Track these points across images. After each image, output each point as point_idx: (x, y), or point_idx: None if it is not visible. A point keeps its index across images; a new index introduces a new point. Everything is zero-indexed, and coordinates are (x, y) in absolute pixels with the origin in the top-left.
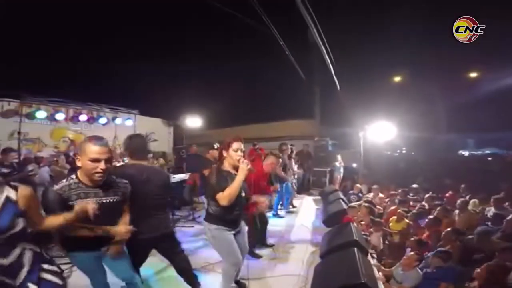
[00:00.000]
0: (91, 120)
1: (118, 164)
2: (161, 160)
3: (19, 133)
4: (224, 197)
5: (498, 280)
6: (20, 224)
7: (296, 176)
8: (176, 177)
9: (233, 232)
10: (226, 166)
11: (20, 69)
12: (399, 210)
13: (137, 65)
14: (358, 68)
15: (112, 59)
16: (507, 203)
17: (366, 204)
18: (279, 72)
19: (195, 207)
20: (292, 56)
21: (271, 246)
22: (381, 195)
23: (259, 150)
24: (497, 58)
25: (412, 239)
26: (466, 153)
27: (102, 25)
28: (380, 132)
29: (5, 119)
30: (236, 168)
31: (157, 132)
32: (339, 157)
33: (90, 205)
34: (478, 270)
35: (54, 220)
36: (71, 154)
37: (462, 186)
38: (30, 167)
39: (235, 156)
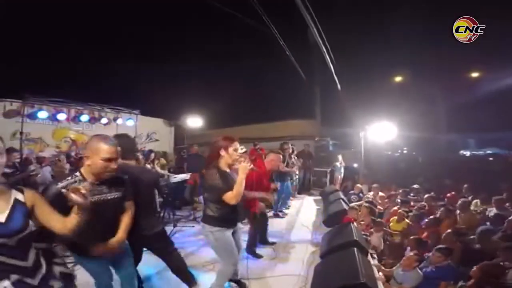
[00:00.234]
0: (93, 120)
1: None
2: (162, 160)
3: (21, 133)
4: (232, 197)
5: (492, 280)
6: (31, 225)
7: (297, 175)
8: (177, 177)
9: (232, 231)
10: (223, 166)
11: (22, 69)
12: (399, 210)
13: (138, 66)
14: (358, 68)
15: (113, 59)
16: (507, 204)
17: (367, 204)
18: (280, 72)
19: (196, 207)
20: (292, 56)
21: (272, 243)
22: (381, 194)
23: (260, 150)
24: (498, 58)
25: (411, 237)
26: (468, 153)
27: (103, 25)
28: (381, 132)
29: (7, 119)
30: (231, 167)
31: (158, 132)
32: (340, 157)
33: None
34: (474, 269)
35: (71, 220)
36: (73, 154)
37: (465, 186)
38: (32, 167)
39: (234, 156)
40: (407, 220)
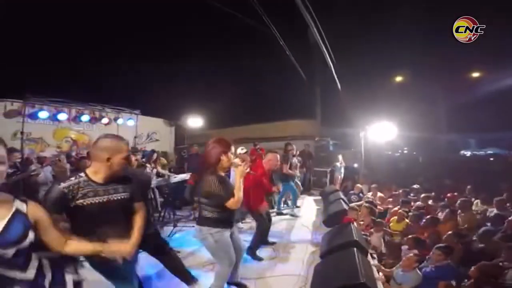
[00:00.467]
0: (93, 120)
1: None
2: (163, 160)
3: (22, 133)
4: (235, 203)
5: (491, 280)
6: (31, 236)
7: (299, 176)
8: (178, 177)
9: (230, 232)
10: (220, 170)
11: (22, 69)
12: (400, 211)
13: (139, 66)
14: (358, 68)
15: (114, 59)
16: (507, 204)
17: (367, 205)
18: (280, 72)
19: (196, 207)
20: (292, 56)
21: (272, 243)
22: (380, 194)
23: (260, 150)
24: (498, 58)
25: (409, 236)
26: (468, 153)
27: (104, 25)
28: (381, 132)
29: (8, 119)
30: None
31: (159, 132)
32: (340, 157)
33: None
34: (473, 269)
35: (81, 247)
36: (73, 154)
37: (468, 187)
38: (33, 167)
39: (231, 159)
40: (407, 220)
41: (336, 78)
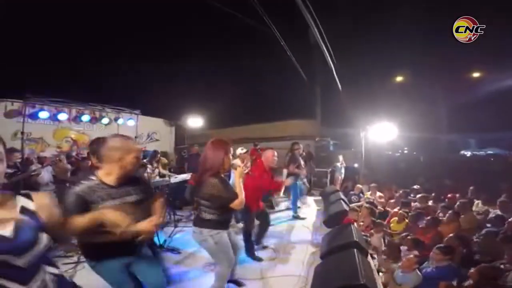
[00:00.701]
0: (94, 120)
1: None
2: (164, 159)
3: (22, 133)
4: (239, 203)
5: (489, 281)
6: (44, 239)
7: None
8: (178, 177)
9: (227, 232)
10: (221, 172)
11: (23, 69)
12: (400, 211)
13: (139, 66)
14: (359, 68)
15: (114, 59)
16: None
17: (367, 205)
18: (280, 72)
19: (196, 206)
20: (293, 56)
21: (265, 247)
22: (379, 193)
23: (260, 150)
24: (498, 58)
25: (408, 237)
26: (468, 153)
27: (104, 25)
28: (382, 132)
29: (8, 119)
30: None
31: (159, 132)
32: (340, 157)
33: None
34: (472, 270)
35: (80, 221)
36: (74, 154)
37: (471, 188)
38: (33, 167)
39: (231, 160)
40: (407, 221)
41: (337, 78)
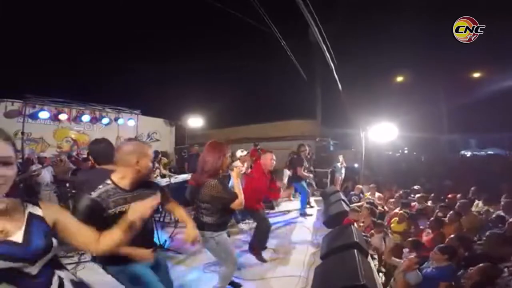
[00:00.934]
0: (94, 120)
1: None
2: (164, 159)
3: (22, 133)
4: (239, 203)
5: (490, 281)
6: (56, 244)
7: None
8: (178, 178)
9: (226, 233)
10: (220, 174)
11: (23, 69)
12: (400, 212)
13: (139, 66)
14: (359, 68)
15: (114, 59)
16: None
17: (368, 206)
18: (281, 72)
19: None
20: (293, 56)
21: (265, 248)
22: (378, 194)
23: (261, 151)
24: (499, 59)
25: (409, 239)
26: (468, 154)
27: (104, 25)
28: (382, 133)
29: (9, 119)
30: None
31: (159, 132)
32: (340, 157)
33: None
34: (472, 270)
35: (110, 237)
36: (74, 154)
37: (472, 189)
38: (33, 167)
39: (228, 161)
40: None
41: (337, 78)
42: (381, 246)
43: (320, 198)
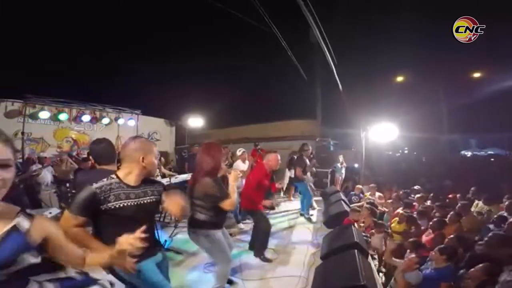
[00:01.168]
0: (94, 120)
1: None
2: (162, 160)
3: (22, 133)
4: (230, 204)
5: (494, 280)
6: (28, 259)
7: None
8: (179, 178)
9: (221, 231)
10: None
11: (23, 69)
12: (401, 212)
13: (139, 66)
14: (360, 68)
15: (114, 59)
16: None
17: (368, 206)
18: (281, 72)
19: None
20: (293, 56)
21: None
22: (378, 194)
23: (261, 151)
24: (499, 59)
25: (409, 240)
26: (469, 154)
27: (104, 25)
28: (382, 133)
29: (9, 119)
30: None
31: (159, 132)
32: (341, 157)
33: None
34: (473, 270)
35: (98, 259)
36: (74, 154)
37: (472, 189)
38: (34, 167)
39: (229, 162)
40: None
41: (337, 78)
42: (381, 246)
43: (320, 198)
